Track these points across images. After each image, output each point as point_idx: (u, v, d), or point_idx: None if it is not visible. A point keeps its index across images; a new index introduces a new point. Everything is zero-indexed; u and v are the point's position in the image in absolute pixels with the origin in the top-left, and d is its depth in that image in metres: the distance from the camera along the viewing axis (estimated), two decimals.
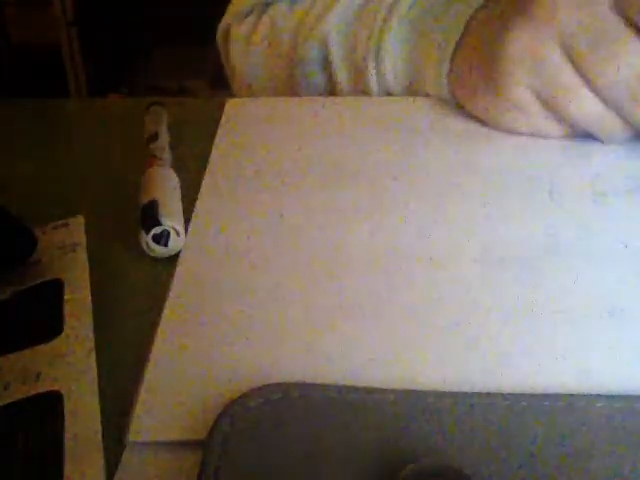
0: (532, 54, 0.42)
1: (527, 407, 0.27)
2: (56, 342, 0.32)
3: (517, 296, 0.33)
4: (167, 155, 0.43)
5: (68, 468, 0.26)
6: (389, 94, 0.52)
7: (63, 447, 0.27)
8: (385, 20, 0.52)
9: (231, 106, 0.49)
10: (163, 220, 0.37)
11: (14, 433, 0.28)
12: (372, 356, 0.31)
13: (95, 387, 0.30)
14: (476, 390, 0.28)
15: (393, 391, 0.28)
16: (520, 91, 0.43)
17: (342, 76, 0.55)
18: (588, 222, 0.38)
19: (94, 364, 0.31)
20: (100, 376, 0.30)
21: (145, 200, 0.38)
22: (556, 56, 0.42)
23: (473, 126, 0.45)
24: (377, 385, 0.29)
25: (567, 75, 0.42)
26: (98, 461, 0.27)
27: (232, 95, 0.63)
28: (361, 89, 0.54)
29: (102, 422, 0.28)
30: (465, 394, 0.28)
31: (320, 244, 0.37)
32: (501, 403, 0.28)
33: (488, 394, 0.28)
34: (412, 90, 0.51)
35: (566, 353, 0.31)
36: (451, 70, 0.48)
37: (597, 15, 0.41)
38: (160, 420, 0.28)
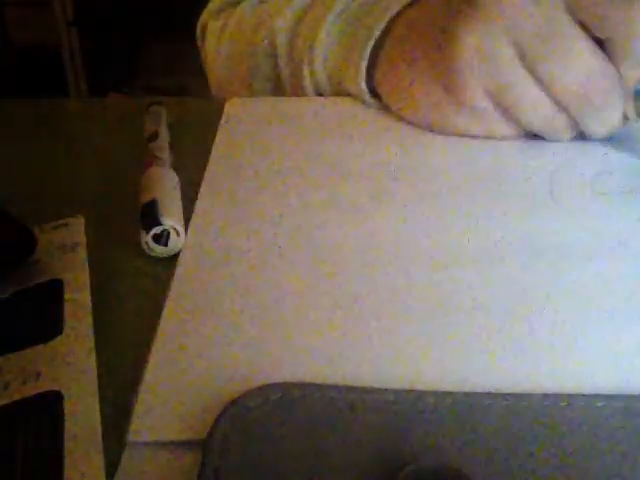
0: (483, 53, 0.41)
1: (527, 407, 0.27)
2: (56, 342, 0.32)
3: (517, 296, 0.33)
4: (167, 155, 0.43)
5: (68, 468, 0.26)
6: (321, 95, 0.52)
7: (63, 447, 0.27)
8: (320, 19, 0.51)
9: (231, 106, 0.49)
10: (163, 220, 0.37)
11: (14, 433, 0.28)
12: (372, 356, 0.31)
13: (95, 387, 0.30)
14: (476, 390, 0.28)
15: (393, 391, 0.28)
16: (474, 93, 0.42)
17: (285, 72, 0.54)
18: (588, 222, 0.38)
19: (94, 364, 0.31)
20: (100, 376, 0.30)
21: (145, 200, 0.38)
22: (508, 54, 0.41)
23: None
24: (377, 385, 0.29)
25: (519, 75, 0.41)
26: (98, 461, 0.27)
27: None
28: (300, 87, 0.53)
29: (102, 422, 0.28)
30: (465, 394, 0.28)
31: (320, 244, 0.37)
32: (501, 403, 0.28)
33: (488, 394, 0.28)
34: (340, 91, 0.50)
35: (566, 353, 0.31)
36: (375, 70, 0.47)
37: (547, 12, 0.40)
38: (160, 420, 0.28)
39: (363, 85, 0.47)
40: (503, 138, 0.44)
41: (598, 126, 0.42)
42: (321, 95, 0.52)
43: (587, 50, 0.40)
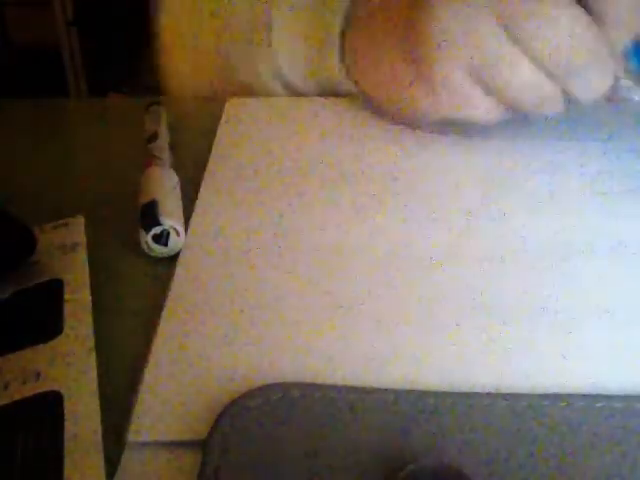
0: (463, 27, 0.39)
1: (527, 407, 0.27)
2: (56, 342, 0.32)
3: (517, 296, 0.33)
4: (167, 155, 0.43)
5: (68, 468, 0.26)
6: (286, 85, 0.50)
7: (63, 447, 0.27)
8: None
9: (231, 106, 0.49)
10: (163, 220, 0.37)
11: (14, 433, 0.28)
12: (372, 356, 0.31)
13: (95, 387, 0.30)
14: (476, 390, 0.28)
15: (393, 391, 0.28)
16: (452, 71, 0.40)
17: (237, 57, 0.52)
18: (588, 222, 0.38)
19: (94, 364, 0.31)
20: (100, 376, 0.30)
21: (145, 200, 0.38)
22: (489, 25, 0.39)
23: (473, 126, 0.45)
24: (377, 385, 0.29)
25: (503, 44, 0.39)
26: (98, 461, 0.27)
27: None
28: (255, 72, 0.51)
29: (102, 422, 0.28)
30: (465, 394, 0.28)
31: (320, 244, 0.37)
32: (501, 403, 0.28)
33: (488, 394, 0.28)
34: (317, 81, 0.49)
35: (566, 353, 0.31)
36: (346, 55, 0.46)
37: None
38: (160, 420, 0.28)
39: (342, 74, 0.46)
40: (482, 120, 0.42)
41: (586, 89, 0.40)
42: (286, 86, 0.51)
43: (570, 13, 0.39)
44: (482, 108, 0.42)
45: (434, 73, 0.41)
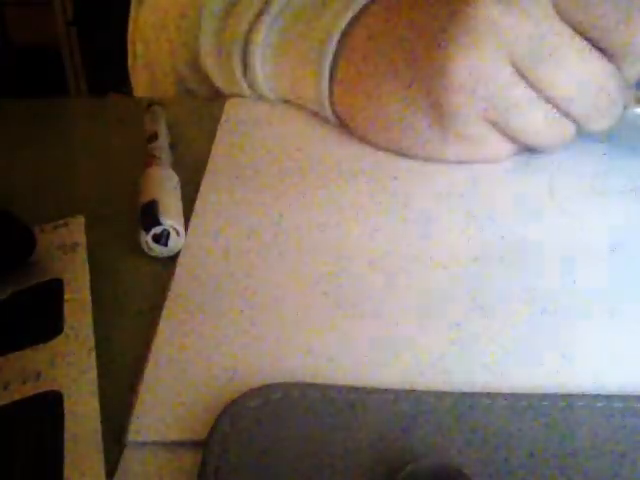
0: (483, 80, 0.39)
1: (527, 407, 0.27)
2: (56, 342, 0.32)
3: (517, 296, 0.33)
4: (167, 155, 0.43)
5: (68, 468, 0.26)
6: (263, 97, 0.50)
7: (63, 447, 0.27)
8: (257, 15, 0.48)
9: (231, 106, 0.49)
10: (163, 220, 0.37)
11: (14, 433, 0.28)
12: (372, 356, 0.31)
13: (95, 387, 0.30)
14: (476, 390, 0.28)
15: (393, 391, 0.28)
16: (473, 122, 0.40)
17: (214, 73, 0.51)
18: (588, 222, 0.38)
19: (94, 364, 0.31)
20: (100, 376, 0.30)
21: (145, 200, 0.38)
22: (508, 76, 0.39)
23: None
24: (377, 385, 0.29)
25: (524, 93, 0.39)
26: (98, 461, 0.26)
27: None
28: (235, 91, 0.50)
29: (102, 422, 0.28)
30: (465, 394, 0.28)
31: (320, 244, 0.37)
32: (501, 403, 0.28)
33: (488, 394, 0.28)
34: (294, 101, 0.48)
35: (566, 353, 0.31)
36: (335, 85, 0.45)
37: (541, 22, 0.38)
38: (160, 420, 0.28)
39: (327, 106, 0.45)
40: (495, 161, 0.42)
41: (597, 123, 0.41)
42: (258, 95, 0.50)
43: (581, 52, 0.39)
44: (497, 151, 0.42)
45: (457, 126, 0.41)
